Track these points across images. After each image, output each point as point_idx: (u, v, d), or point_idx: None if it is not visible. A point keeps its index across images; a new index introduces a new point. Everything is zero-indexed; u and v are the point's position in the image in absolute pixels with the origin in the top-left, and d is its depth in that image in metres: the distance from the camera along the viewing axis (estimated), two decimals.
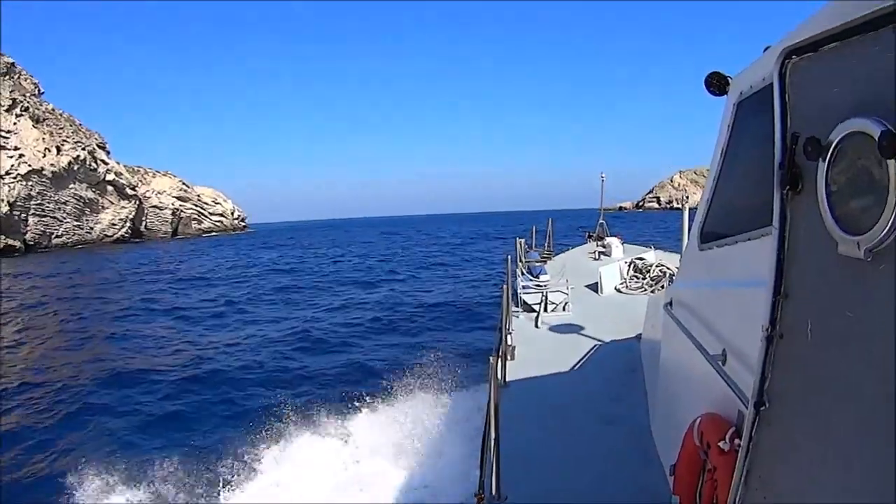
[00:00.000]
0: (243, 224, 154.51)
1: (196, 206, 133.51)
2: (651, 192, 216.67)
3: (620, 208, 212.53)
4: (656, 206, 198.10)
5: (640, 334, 8.66)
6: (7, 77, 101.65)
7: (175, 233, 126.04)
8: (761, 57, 3.24)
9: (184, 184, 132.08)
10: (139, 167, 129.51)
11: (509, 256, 11.82)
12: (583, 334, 9.98)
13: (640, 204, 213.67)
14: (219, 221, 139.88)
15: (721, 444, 2.94)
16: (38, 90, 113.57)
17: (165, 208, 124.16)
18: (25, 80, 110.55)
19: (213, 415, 13.85)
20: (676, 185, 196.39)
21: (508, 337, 9.06)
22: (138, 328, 25.02)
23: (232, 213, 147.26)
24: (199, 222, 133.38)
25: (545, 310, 11.71)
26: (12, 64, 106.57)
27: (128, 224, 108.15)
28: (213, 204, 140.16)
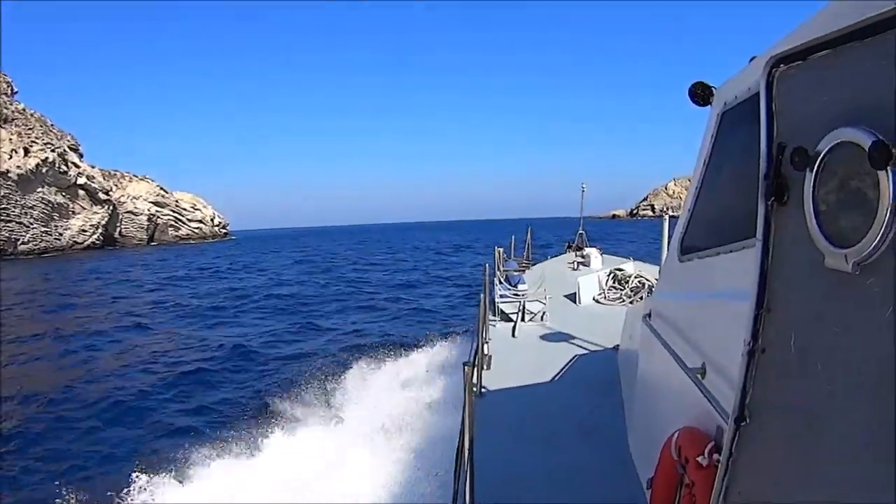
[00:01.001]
0: (224, 231, 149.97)
1: (174, 211, 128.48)
2: (645, 199, 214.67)
3: (614, 216, 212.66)
4: (651, 213, 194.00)
5: (618, 345, 8.66)
6: None
7: (151, 239, 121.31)
8: (747, 66, 3.25)
9: (161, 189, 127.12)
10: (115, 171, 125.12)
11: (487, 265, 11.86)
12: (560, 344, 9.99)
13: (634, 212, 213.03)
14: (197, 228, 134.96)
15: (700, 458, 2.91)
16: (11, 89, 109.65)
17: (141, 214, 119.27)
18: None
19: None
20: (671, 192, 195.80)
21: (485, 346, 9.02)
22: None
23: (212, 220, 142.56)
24: (177, 229, 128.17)
25: (522, 319, 11.79)
26: None
27: (100, 230, 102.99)
28: (191, 210, 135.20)
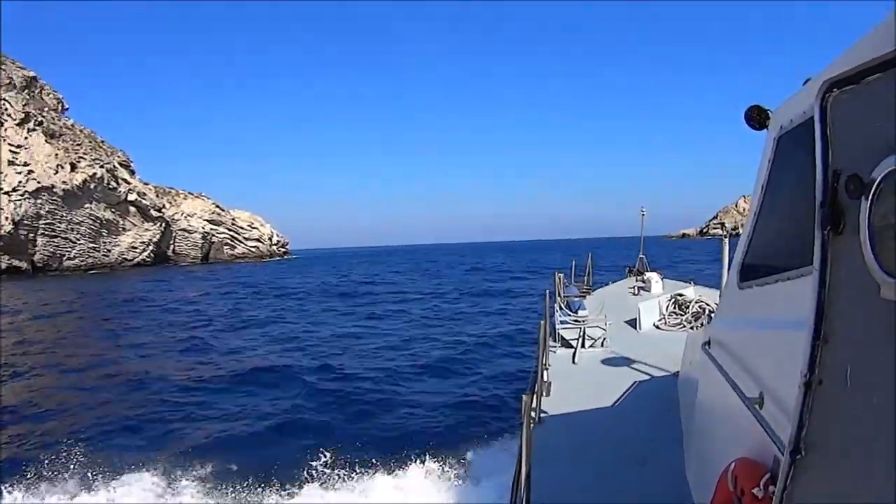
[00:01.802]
0: (283, 250, 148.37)
1: (230, 230, 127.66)
2: (715, 217, 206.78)
3: (683, 235, 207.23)
4: (721, 232, 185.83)
5: (678, 372, 8.34)
6: (25, 91, 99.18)
7: (206, 258, 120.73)
8: (801, 89, 3.22)
9: (217, 206, 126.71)
10: (170, 188, 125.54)
11: (548, 291, 12.21)
12: (620, 371, 9.69)
13: (705, 230, 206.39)
14: (254, 247, 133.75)
15: (755, 490, 2.83)
16: (62, 105, 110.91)
17: (195, 232, 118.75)
18: (48, 94, 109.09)
19: None
20: (741, 210, 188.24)
21: (545, 373, 8.97)
22: None
23: (270, 239, 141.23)
24: (233, 247, 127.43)
25: (583, 345, 11.42)
26: (33, 78, 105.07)
27: (151, 247, 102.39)
28: (248, 228, 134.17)
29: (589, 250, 23.56)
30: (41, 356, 24.48)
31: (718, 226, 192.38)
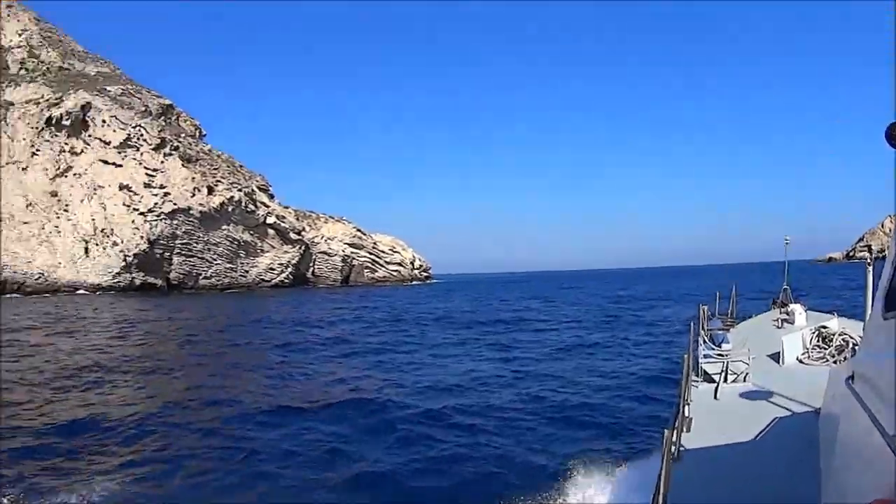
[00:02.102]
0: (425, 274, 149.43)
1: (371, 253, 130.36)
2: (861, 240, 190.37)
3: (830, 259, 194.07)
4: (868, 255, 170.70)
5: (820, 409, 7.88)
6: (162, 118, 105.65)
7: (346, 281, 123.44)
8: None
9: (358, 230, 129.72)
10: (311, 212, 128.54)
11: (692, 324, 12.15)
12: (762, 406, 9.48)
13: (851, 254, 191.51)
14: (395, 271, 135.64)
15: None
16: (199, 132, 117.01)
17: (335, 255, 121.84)
18: (185, 121, 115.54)
19: None
20: (888, 230, 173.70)
21: (686, 408, 8.76)
22: None
23: (412, 263, 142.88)
24: (373, 271, 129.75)
25: (725, 380, 11.28)
26: (169, 105, 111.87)
27: (289, 269, 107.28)
28: (389, 252, 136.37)
29: (728, 276, 20.66)
30: (139, 366, 24.65)
31: (864, 248, 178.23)
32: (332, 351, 30.01)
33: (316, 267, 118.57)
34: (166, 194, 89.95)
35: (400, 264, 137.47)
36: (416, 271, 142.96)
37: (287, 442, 13.98)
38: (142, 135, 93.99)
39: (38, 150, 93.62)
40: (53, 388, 19.94)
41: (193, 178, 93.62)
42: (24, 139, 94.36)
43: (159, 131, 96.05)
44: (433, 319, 50.41)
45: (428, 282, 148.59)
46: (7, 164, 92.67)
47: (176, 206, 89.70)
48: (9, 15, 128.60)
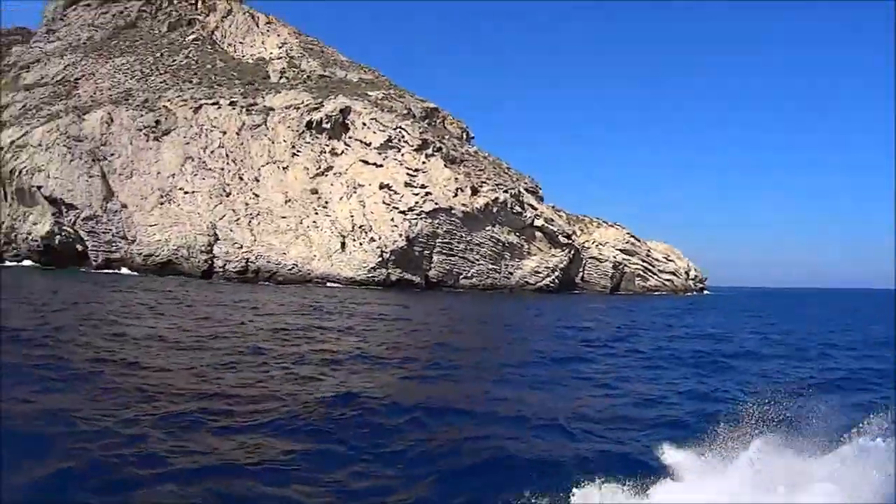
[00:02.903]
0: (700, 285, 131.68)
1: (644, 261, 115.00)
2: None
3: None
4: None
5: None
6: (426, 120, 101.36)
7: (617, 288, 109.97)
8: None
9: (632, 236, 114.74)
10: (583, 216, 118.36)
11: None
12: None
13: None
14: (668, 280, 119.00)
15: None
16: (466, 134, 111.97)
17: (606, 260, 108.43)
18: (451, 123, 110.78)
19: None
20: None
21: None
22: None
23: (686, 273, 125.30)
24: (645, 279, 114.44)
25: None
26: (434, 109, 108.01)
27: (556, 273, 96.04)
28: (664, 261, 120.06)
29: None
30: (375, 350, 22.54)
31: None
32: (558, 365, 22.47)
33: (585, 272, 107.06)
34: (427, 194, 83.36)
35: (674, 273, 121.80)
36: (690, 282, 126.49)
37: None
38: (403, 136, 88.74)
39: (298, 150, 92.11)
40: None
41: (456, 178, 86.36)
42: (284, 141, 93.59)
43: (421, 133, 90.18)
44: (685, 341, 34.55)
45: (703, 293, 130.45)
46: (268, 163, 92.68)
47: (437, 206, 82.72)
48: (268, 30, 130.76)
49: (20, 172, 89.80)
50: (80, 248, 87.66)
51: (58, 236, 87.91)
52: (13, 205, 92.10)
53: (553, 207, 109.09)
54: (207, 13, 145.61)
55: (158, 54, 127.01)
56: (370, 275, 78.82)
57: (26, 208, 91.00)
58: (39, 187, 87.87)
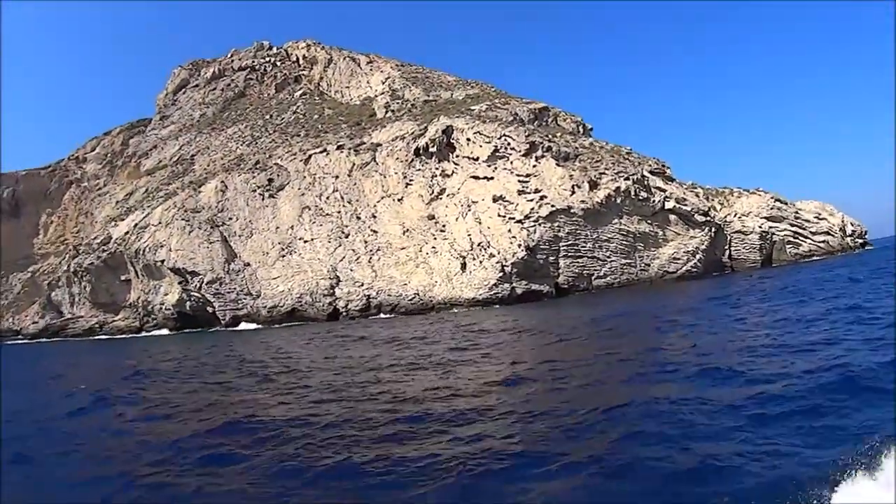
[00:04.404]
0: (861, 241, 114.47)
1: (793, 225, 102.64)
2: None
3: None
4: None
5: None
6: (535, 122, 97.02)
7: (769, 260, 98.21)
8: None
9: (777, 200, 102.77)
10: (723, 188, 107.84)
11: None
12: None
13: None
14: (823, 241, 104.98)
15: None
16: (583, 128, 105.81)
17: (751, 232, 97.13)
18: (564, 120, 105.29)
19: None
20: None
21: None
22: None
23: (842, 230, 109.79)
24: (796, 245, 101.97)
25: None
26: (543, 108, 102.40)
27: (697, 256, 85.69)
28: (815, 221, 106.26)
29: None
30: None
31: None
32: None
33: (732, 249, 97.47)
34: (542, 198, 77.50)
35: (828, 233, 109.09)
36: (847, 239, 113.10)
37: None
38: (509, 143, 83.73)
39: (410, 180, 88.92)
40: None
41: (571, 175, 79.98)
42: (395, 173, 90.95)
43: (528, 136, 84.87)
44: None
45: (864, 249, 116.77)
46: (382, 198, 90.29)
47: (554, 208, 76.55)
48: (370, 69, 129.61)
49: (144, 251, 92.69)
50: (210, 310, 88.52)
51: (188, 302, 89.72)
52: (144, 280, 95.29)
53: (691, 185, 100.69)
54: (311, 67, 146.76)
55: (268, 116, 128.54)
56: (492, 292, 73.14)
57: (155, 281, 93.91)
58: (163, 261, 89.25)
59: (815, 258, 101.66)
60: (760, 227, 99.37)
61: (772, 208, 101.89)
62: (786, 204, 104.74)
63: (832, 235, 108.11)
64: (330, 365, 27.72)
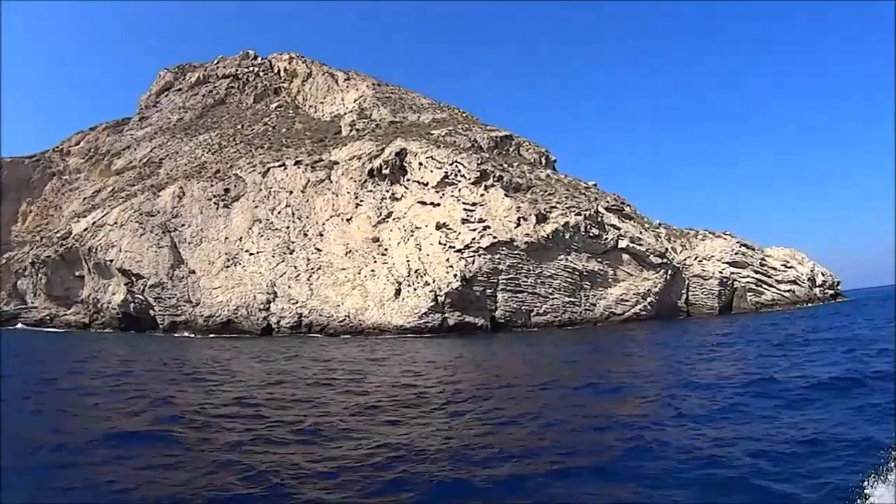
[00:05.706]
0: (831, 292, 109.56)
1: (757, 272, 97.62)
2: None
3: None
4: None
5: None
6: (494, 150, 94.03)
7: (729, 307, 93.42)
8: None
9: (743, 244, 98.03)
10: (688, 230, 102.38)
11: None
12: None
13: None
14: (788, 291, 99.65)
15: None
16: (546, 159, 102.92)
17: (710, 277, 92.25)
18: (527, 149, 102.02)
19: None
20: None
21: None
22: None
23: (811, 280, 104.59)
24: (758, 293, 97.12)
25: None
26: (505, 136, 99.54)
27: (649, 299, 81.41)
28: (781, 269, 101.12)
29: None
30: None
31: None
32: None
33: (690, 293, 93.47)
34: (485, 228, 73.84)
35: (795, 282, 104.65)
36: (816, 290, 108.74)
37: None
38: (459, 170, 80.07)
39: (361, 200, 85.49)
40: None
41: (519, 207, 76.32)
42: (347, 192, 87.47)
43: (479, 164, 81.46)
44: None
45: (838, 300, 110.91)
46: (331, 217, 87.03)
47: (496, 239, 72.80)
48: (347, 86, 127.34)
49: (96, 250, 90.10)
50: (151, 313, 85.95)
51: (132, 304, 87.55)
52: (95, 278, 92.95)
53: (657, 225, 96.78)
54: (290, 80, 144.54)
55: (240, 126, 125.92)
56: (422, 321, 69.07)
57: (105, 280, 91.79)
58: (112, 261, 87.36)
59: (777, 308, 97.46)
60: (721, 272, 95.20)
61: (736, 253, 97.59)
62: (752, 249, 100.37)
63: (799, 285, 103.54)
64: None
